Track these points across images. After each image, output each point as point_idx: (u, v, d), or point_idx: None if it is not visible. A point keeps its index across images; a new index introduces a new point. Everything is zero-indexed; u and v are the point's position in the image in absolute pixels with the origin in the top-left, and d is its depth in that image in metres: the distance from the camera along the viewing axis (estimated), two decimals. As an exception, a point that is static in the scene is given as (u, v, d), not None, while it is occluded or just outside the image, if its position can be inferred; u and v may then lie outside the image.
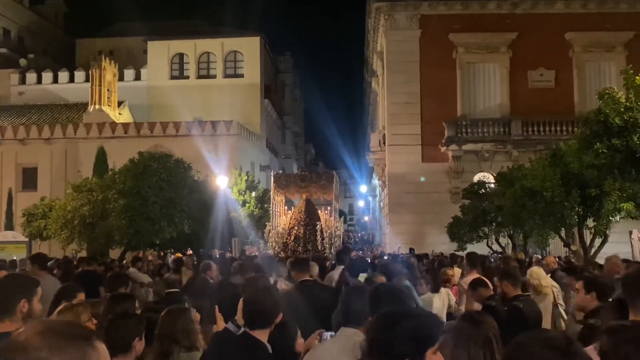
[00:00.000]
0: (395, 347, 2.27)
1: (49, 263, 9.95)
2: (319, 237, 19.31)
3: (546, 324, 8.23)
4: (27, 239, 28.72)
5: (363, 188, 74.37)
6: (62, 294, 4.91)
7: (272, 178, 22.05)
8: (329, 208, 21.77)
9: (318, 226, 19.61)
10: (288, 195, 22.24)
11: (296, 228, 19.89)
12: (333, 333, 4.54)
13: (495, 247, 20.89)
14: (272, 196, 21.90)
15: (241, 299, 3.86)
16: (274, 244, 19.93)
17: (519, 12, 30.09)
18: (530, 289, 7.54)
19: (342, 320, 3.62)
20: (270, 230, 20.66)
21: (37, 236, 30.52)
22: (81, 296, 4.98)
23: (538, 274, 7.79)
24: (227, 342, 4.04)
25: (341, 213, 28.70)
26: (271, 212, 21.67)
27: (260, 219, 34.04)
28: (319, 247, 18.70)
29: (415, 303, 3.36)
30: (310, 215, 20.29)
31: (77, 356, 1.39)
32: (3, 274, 7.62)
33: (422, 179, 28.84)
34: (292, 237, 19.76)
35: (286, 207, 21.95)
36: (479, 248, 18.15)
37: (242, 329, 3.75)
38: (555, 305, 8.38)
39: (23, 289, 3.70)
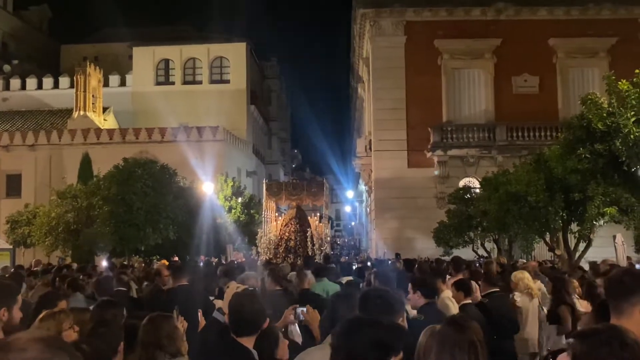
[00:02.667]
0: (357, 354, 2.28)
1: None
2: (309, 243, 19.64)
3: (533, 325, 8.36)
4: (11, 246, 28.44)
5: (350, 193, 74.43)
6: (44, 302, 4.86)
7: (264, 186, 22.54)
8: (318, 214, 22.13)
9: (309, 232, 20.01)
10: (279, 202, 22.71)
11: (287, 234, 20.27)
12: (304, 309, 4.56)
13: (481, 252, 20.99)
14: (264, 203, 22.32)
15: (227, 305, 3.86)
16: (265, 250, 20.18)
17: (503, 19, 30.33)
18: (524, 291, 7.66)
19: (328, 327, 3.61)
20: (262, 236, 20.94)
21: (22, 243, 30.26)
22: (62, 304, 4.93)
23: (529, 278, 7.96)
24: (214, 347, 4.02)
25: (329, 219, 28.75)
26: (263, 218, 21.97)
27: (247, 225, 34.00)
28: (310, 253, 18.90)
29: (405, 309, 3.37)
30: (301, 222, 20.69)
31: None
32: None
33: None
34: (284, 244, 20.09)
35: (277, 214, 22.37)
36: (465, 253, 18.26)
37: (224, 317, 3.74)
38: (540, 307, 8.53)
39: (3, 297, 3.66)
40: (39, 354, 1.37)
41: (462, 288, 6.72)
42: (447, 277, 8.81)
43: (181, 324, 4.77)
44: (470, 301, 6.46)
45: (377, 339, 2.32)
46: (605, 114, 11.39)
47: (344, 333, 2.37)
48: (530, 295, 8.31)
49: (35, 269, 15.00)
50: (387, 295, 3.26)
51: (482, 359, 2.99)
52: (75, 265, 17.12)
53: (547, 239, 15.73)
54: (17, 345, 1.38)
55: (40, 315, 4.02)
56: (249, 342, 3.65)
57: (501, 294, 7.62)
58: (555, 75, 30.36)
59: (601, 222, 13.77)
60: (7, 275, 11.70)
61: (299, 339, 4.96)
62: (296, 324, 4.90)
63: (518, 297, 8.17)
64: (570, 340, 2.22)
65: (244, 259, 21.83)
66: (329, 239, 22.07)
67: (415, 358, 3.53)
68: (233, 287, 5.32)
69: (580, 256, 14.50)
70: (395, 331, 2.49)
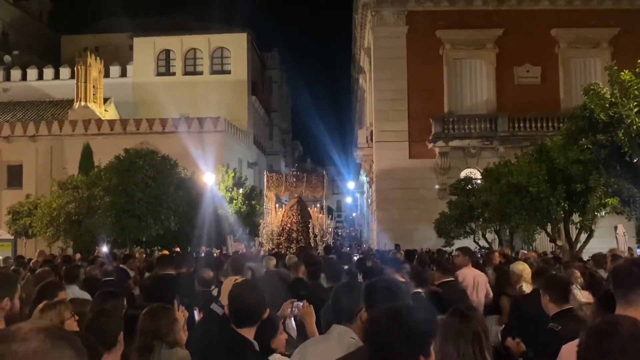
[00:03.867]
0: (396, 347, 2.24)
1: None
2: (311, 234, 19.79)
3: None
4: (12, 237, 28.53)
5: (351, 185, 74.38)
6: (44, 292, 4.85)
7: (265, 178, 22.70)
8: (318, 205, 22.31)
9: (310, 224, 20.19)
10: (280, 193, 22.91)
11: (289, 225, 20.47)
12: (300, 304, 4.55)
13: (482, 242, 20.99)
14: (265, 195, 22.52)
15: (227, 296, 3.85)
16: (268, 240, 20.35)
17: (505, 9, 30.20)
18: (523, 283, 7.55)
19: (331, 318, 3.60)
20: (264, 227, 21.11)
21: (23, 234, 30.30)
22: (62, 294, 4.92)
23: (528, 270, 7.85)
24: (214, 338, 4.01)
25: (329, 210, 28.77)
26: (265, 210, 22.16)
27: (248, 215, 34.02)
28: (311, 244, 19.03)
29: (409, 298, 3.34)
30: (302, 213, 20.88)
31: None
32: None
33: (437, 186, 28.79)
34: (285, 234, 20.28)
35: (277, 205, 22.56)
36: (466, 244, 18.19)
37: (223, 309, 3.72)
38: None
39: (6, 287, 3.66)
40: (41, 344, 1.36)
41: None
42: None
43: (182, 314, 4.78)
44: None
45: (415, 330, 2.28)
46: (607, 105, 11.34)
47: (381, 325, 2.32)
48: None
49: (36, 260, 14.99)
50: (392, 286, 3.23)
51: (487, 350, 2.98)
52: (77, 256, 17.15)
53: (549, 229, 15.72)
54: (19, 336, 1.37)
55: (40, 306, 4.02)
56: (249, 332, 3.64)
57: (454, 283, 7.59)
58: (557, 66, 30.26)
59: (603, 212, 13.77)
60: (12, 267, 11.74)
61: (293, 333, 4.96)
62: (292, 318, 4.89)
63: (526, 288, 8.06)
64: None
65: (244, 250, 21.86)
66: (330, 229, 22.23)
67: None
68: (230, 279, 5.30)
69: (582, 247, 14.50)
70: (431, 322, 2.44)
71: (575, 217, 14.56)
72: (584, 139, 11.64)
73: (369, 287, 3.46)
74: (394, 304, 2.68)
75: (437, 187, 28.60)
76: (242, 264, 7.71)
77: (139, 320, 4.31)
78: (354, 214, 77.95)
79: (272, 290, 6.09)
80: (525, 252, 16.27)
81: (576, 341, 2.26)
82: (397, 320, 2.33)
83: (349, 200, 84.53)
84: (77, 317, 3.87)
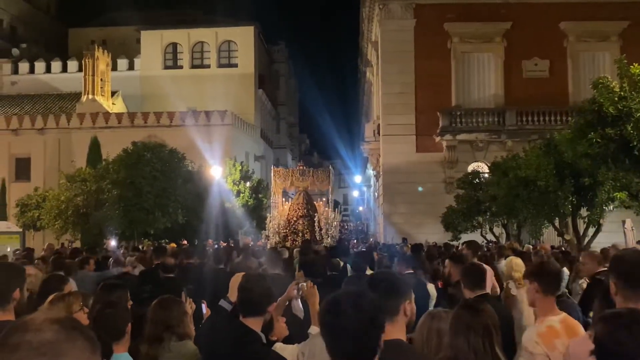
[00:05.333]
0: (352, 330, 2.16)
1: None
2: (317, 227, 19.97)
3: (529, 318, 8.18)
4: (20, 230, 28.66)
5: (357, 178, 74.24)
6: (49, 285, 4.87)
7: (272, 171, 22.97)
8: (324, 199, 22.49)
9: (316, 217, 20.36)
10: (286, 187, 23.17)
11: (295, 219, 20.67)
12: (304, 284, 4.65)
13: (490, 236, 20.96)
14: (272, 188, 22.76)
15: (237, 286, 3.89)
16: (274, 233, 20.56)
17: (514, 2, 30.01)
18: (511, 282, 7.35)
19: None
20: (270, 220, 21.31)
21: (31, 226, 30.49)
22: (68, 287, 4.94)
23: (519, 265, 7.54)
24: (221, 331, 4.04)
25: (336, 203, 28.80)
26: (272, 203, 22.39)
27: (255, 209, 34.09)
28: (317, 237, 19.17)
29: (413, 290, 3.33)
30: (308, 207, 21.07)
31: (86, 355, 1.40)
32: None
33: (420, 189, 28.74)
34: (291, 228, 20.50)
35: (283, 199, 22.81)
36: (473, 237, 18.16)
37: (232, 305, 3.75)
38: None
39: (17, 278, 3.68)
40: (55, 334, 1.37)
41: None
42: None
43: (189, 306, 4.81)
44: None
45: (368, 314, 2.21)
46: (616, 98, 11.28)
47: (333, 310, 2.24)
48: (523, 286, 8.02)
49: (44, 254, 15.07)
50: (393, 278, 3.23)
51: (497, 344, 2.97)
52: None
53: (557, 223, 15.68)
54: (34, 326, 1.38)
55: (50, 298, 4.03)
56: (256, 324, 3.67)
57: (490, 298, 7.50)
58: (565, 59, 30.09)
59: (611, 207, 13.72)
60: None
61: (300, 314, 5.05)
62: (299, 299, 4.98)
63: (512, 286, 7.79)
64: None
65: (251, 242, 21.94)
66: (335, 223, 22.39)
67: (421, 342, 3.51)
68: (238, 275, 5.35)
69: (590, 241, 14.45)
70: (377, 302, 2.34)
71: (583, 211, 14.51)
72: (592, 133, 11.57)
73: (370, 280, 3.45)
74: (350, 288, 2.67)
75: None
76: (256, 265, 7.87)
77: (148, 311, 4.34)
78: (361, 208, 77.93)
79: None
80: (530, 246, 16.21)
81: (584, 337, 2.25)
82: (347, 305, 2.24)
83: (355, 193, 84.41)
84: (86, 310, 3.89)
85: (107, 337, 3.41)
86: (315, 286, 4.64)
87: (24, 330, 1.37)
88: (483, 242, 19.83)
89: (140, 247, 20.18)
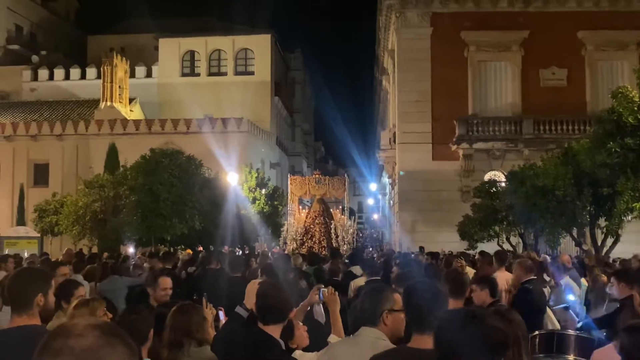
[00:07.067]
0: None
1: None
2: (333, 234, 20.17)
3: None
4: (38, 235, 28.94)
5: (373, 186, 74.06)
6: (63, 291, 4.92)
7: (289, 179, 23.34)
8: (340, 207, 22.68)
9: (332, 225, 20.55)
10: (303, 196, 23.48)
11: (312, 226, 20.93)
12: (326, 290, 4.66)
13: (506, 246, 20.81)
14: (289, 196, 23.08)
15: (256, 294, 3.90)
16: (292, 240, 20.82)
17: (531, 10, 29.93)
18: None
19: (360, 319, 3.61)
20: (287, 228, 21.56)
21: (49, 232, 30.73)
22: (81, 291, 5.00)
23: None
24: (239, 337, 4.06)
25: (351, 211, 28.80)
26: (288, 211, 22.73)
27: (270, 216, 34.14)
28: (334, 244, 19.31)
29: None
30: (324, 214, 21.31)
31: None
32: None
33: (401, 172, 28.97)
34: (309, 235, 20.76)
35: (300, 207, 23.14)
36: (490, 247, 18.08)
37: (248, 313, 3.79)
38: None
39: (40, 283, 3.72)
40: (96, 340, 1.41)
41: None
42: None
43: (209, 311, 4.85)
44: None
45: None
46: (636, 108, 11.23)
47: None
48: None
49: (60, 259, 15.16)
50: (433, 288, 3.18)
51: (525, 355, 2.96)
52: (104, 255, 17.35)
53: (574, 233, 15.57)
54: (76, 331, 1.42)
55: (75, 303, 4.10)
56: (275, 331, 3.68)
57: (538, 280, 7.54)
58: (583, 68, 29.91)
59: (629, 217, 13.60)
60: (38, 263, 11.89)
61: (322, 319, 5.08)
62: (320, 304, 5.00)
63: None
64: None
65: (267, 249, 22.00)
66: (351, 231, 22.52)
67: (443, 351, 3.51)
68: (254, 282, 5.40)
69: (608, 251, 14.34)
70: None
71: (602, 221, 14.40)
72: (611, 142, 11.54)
73: (408, 289, 3.37)
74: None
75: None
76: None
77: (168, 317, 4.38)
78: (376, 216, 77.74)
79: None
80: (547, 256, 16.08)
81: (608, 346, 2.26)
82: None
83: (370, 201, 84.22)
84: (110, 315, 3.94)
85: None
86: (337, 292, 4.64)
87: (66, 336, 1.41)
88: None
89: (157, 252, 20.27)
